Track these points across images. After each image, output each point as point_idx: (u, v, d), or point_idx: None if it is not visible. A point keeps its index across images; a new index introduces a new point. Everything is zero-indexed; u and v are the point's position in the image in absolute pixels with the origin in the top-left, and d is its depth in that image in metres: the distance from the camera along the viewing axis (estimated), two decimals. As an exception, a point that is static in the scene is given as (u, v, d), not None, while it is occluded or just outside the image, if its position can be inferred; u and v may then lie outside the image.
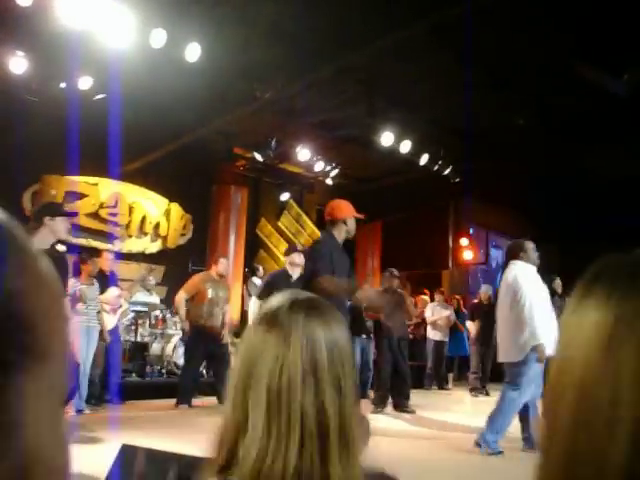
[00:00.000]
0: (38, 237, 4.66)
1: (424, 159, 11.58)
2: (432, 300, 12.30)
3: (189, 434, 6.10)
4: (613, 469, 0.51)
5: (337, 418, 1.00)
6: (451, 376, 12.56)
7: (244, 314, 11.70)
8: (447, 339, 11.98)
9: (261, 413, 0.99)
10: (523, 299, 5.60)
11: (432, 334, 11.96)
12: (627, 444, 0.51)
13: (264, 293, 7.18)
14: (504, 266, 6.49)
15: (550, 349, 5.50)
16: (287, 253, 7.75)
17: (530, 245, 5.96)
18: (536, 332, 5.49)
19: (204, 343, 8.17)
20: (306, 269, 4.96)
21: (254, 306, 9.19)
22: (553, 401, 0.58)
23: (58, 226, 4.75)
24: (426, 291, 13.04)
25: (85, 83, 8.66)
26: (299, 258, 7.07)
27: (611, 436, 0.52)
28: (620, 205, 12.11)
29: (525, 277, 5.72)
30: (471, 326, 11.12)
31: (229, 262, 9.08)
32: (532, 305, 5.57)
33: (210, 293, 8.22)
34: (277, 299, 1.10)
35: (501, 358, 5.83)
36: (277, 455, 0.97)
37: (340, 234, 4.89)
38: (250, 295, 11.08)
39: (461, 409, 9.67)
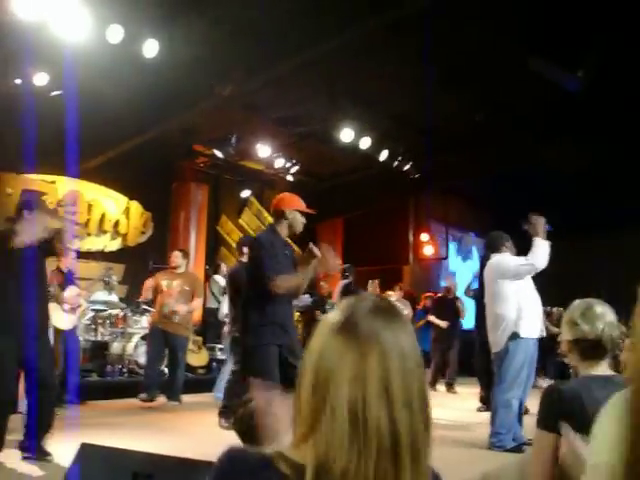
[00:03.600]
0: (18, 230, 4.57)
1: (384, 155, 11.67)
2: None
3: (150, 433, 6.09)
4: None
5: (409, 435, 1.00)
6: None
7: (206, 312, 11.64)
8: None
9: (343, 422, 0.99)
10: (505, 290, 5.66)
11: None
12: None
13: (231, 290, 7.13)
14: (484, 258, 6.53)
15: (536, 331, 5.63)
16: (240, 245, 7.59)
17: (508, 236, 6.03)
18: (517, 322, 5.52)
19: (160, 337, 8.14)
20: (248, 275, 4.60)
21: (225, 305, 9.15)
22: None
23: (37, 219, 4.70)
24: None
25: (41, 79, 8.52)
26: None
27: None
28: (575, 198, 12.37)
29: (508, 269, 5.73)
30: (435, 320, 11.01)
31: (189, 257, 8.97)
32: (511, 296, 5.61)
33: (164, 286, 8.21)
34: (352, 304, 1.09)
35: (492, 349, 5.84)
36: (359, 468, 0.97)
37: (282, 229, 4.53)
38: (213, 293, 11.04)
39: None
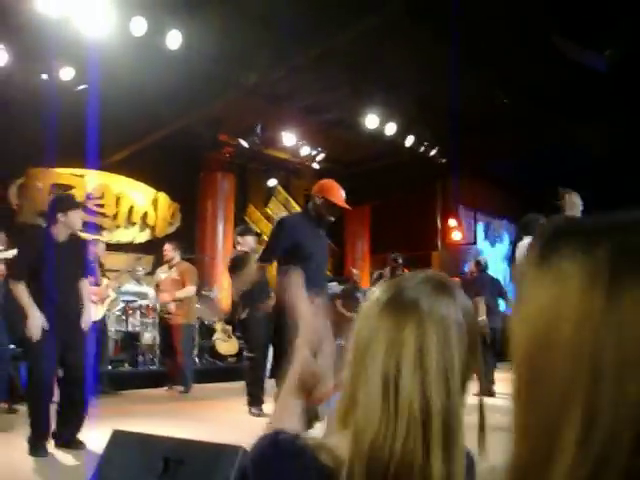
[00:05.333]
0: (56, 233, 4.74)
1: (410, 141, 11.60)
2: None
3: (181, 420, 6.16)
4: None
5: (442, 412, 0.96)
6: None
7: (234, 303, 11.70)
8: None
9: (376, 392, 0.97)
10: None
11: None
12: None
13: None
14: (516, 241, 6.40)
15: None
16: (235, 234, 7.86)
17: (545, 219, 5.88)
18: None
19: (164, 329, 8.50)
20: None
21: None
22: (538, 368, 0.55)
23: (72, 219, 4.83)
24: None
25: (67, 74, 8.60)
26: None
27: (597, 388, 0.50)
28: (606, 180, 12.18)
29: None
30: None
31: (181, 247, 8.98)
32: None
33: (160, 280, 8.59)
34: (403, 277, 1.08)
35: None
36: (386, 437, 0.95)
37: (311, 212, 4.65)
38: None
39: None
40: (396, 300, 1.02)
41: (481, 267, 9.95)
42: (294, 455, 0.99)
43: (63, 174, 10.74)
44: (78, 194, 10.75)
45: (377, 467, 0.94)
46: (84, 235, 5.22)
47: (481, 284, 9.54)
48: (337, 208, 4.65)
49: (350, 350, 1.04)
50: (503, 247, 16.33)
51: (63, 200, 5.23)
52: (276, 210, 13.79)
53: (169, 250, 8.49)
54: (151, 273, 10.99)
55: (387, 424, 0.95)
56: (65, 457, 4.51)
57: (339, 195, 4.65)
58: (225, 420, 6.41)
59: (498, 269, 12.54)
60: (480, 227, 16.10)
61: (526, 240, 5.86)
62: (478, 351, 1.04)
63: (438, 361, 0.97)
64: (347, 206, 4.72)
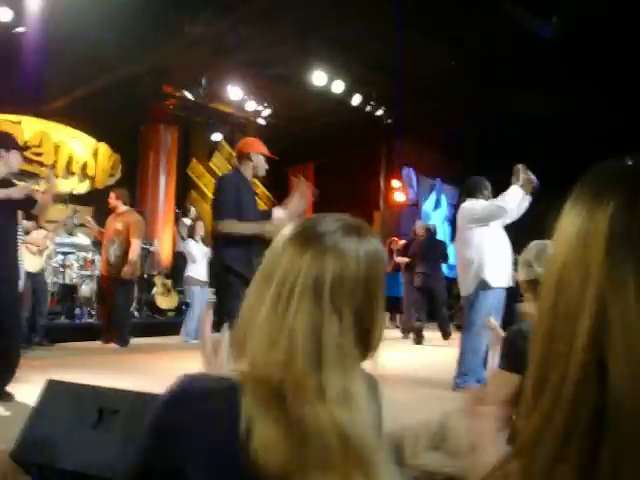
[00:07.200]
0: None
1: (356, 100, 11.59)
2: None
3: (117, 372, 6.14)
4: (582, 336, 0.64)
5: (334, 343, 0.97)
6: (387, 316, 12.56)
7: (175, 255, 11.63)
8: None
9: (267, 316, 0.99)
10: (474, 236, 5.62)
11: None
12: (593, 314, 0.64)
13: None
14: (459, 202, 6.44)
15: (504, 280, 5.55)
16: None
17: (488, 182, 5.93)
18: (486, 269, 5.50)
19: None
20: (212, 210, 4.75)
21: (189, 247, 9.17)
22: (541, 291, 0.74)
23: (12, 158, 4.63)
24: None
25: (4, 15, 8.26)
26: None
27: (581, 305, 0.65)
28: (549, 144, 12.41)
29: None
30: (401, 259, 10.74)
31: (125, 196, 8.37)
32: (481, 242, 5.54)
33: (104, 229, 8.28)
34: (313, 217, 1.09)
35: (461, 293, 5.86)
36: (275, 358, 0.96)
37: (247, 170, 4.72)
38: (182, 237, 10.99)
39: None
40: (302, 234, 1.04)
41: (430, 233, 10.54)
42: (202, 395, 0.99)
43: (-2, 120, 10.37)
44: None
45: (267, 388, 0.96)
46: (18, 183, 4.98)
47: (426, 248, 10.08)
48: (266, 160, 4.82)
49: (253, 279, 1.06)
50: (444, 209, 16.57)
51: (5, 137, 4.98)
52: (219, 164, 13.64)
53: (111, 199, 8.27)
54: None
55: (277, 345, 0.97)
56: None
57: (264, 147, 4.83)
58: (163, 372, 6.40)
59: (439, 230, 12.72)
60: (423, 189, 16.26)
61: (468, 202, 5.93)
62: (379, 297, 1.05)
63: (333, 293, 0.98)
64: (274, 156, 4.90)
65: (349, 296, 1.00)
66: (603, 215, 0.66)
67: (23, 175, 10.30)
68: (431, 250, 10.03)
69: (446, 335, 9.93)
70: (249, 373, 0.99)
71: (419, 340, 9.72)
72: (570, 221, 0.70)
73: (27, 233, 7.29)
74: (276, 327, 0.98)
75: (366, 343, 1.04)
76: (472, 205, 5.78)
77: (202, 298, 8.73)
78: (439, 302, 9.91)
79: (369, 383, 1.06)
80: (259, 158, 4.74)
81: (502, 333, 2.49)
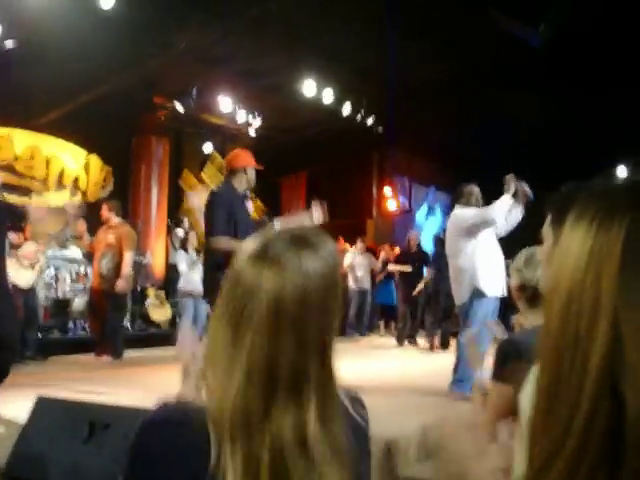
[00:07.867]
0: None
1: (347, 108, 11.60)
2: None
3: (110, 386, 6.10)
4: (595, 357, 0.63)
5: (291, 365, 0.97)
6: (382, 324, 12.53)
7: (169, 267, 11.59)
8: (369, 287, 11.97)
9: (224, 341, 0.99)
10: (466, 244, 5.60)
11: (352, 283, 11.66)
12: (607, 336, 0.62)
13: None
14: (450, 210, 6.43)
15: (498, 290, 5.54)
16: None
17: (478, 190, 5.92)
18: (479, 278, 5.52)
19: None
20: (204, 223, 4.80)
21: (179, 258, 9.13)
22: (545, 315, 0.71)
23: None
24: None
25: (-6, 30, 8.25)
26: None
27: (594, 325, 0.63)
28: (540, 152, 12.45)
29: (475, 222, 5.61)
30: (396, 267, 10.73)
31: (117, 208, 8.27)
32: (473, 251, 5.54)
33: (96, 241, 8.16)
34: (268, 233, 1.08)
35: (455, 301, 5.86)
36: (228, 388, 0.97)
37: (241, 184, 4.78)
38: (175, 247, 10.96)
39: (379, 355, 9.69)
40: (259, 253, 1.02)
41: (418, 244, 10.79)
42: (177, 422, 1.00)
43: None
44: (5, 155, 10.42)
45: (222, 420, 0.96)
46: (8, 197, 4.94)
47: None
48: (257, 172, 4.91)
49: (217, 305, 1.05)
50: (439, 217, 16.60)
51: None
52: (211, 175, 13.64)
53: (104, 211, 8.22)
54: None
55: (231, 373, 0.97)
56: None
57: (253, 159, 4.89)
58: (157, 385, 6.37)
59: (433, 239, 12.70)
60: (415, 197, 16.29)
61: (458, 209, 5.93)
62: (333, 309, 1.04)
63: (293, 312, 0.98)
64: (260, 167, 4.95)
65: (310, 312, 1.00)
66: (616, 233, 0.65)
67: (14, 189, 10.33)
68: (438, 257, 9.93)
69: (445, 345, 9.85)
70: (210, 405, 0.98)
71: (445, 345, 9.65)
72: (577, 240, 0.69)
73: (18, 247, 7.27)
74: (232, 357, 0.98)
75: (325, 357, 1.03)
76: (462, 213, 5.79)
77: (191, 310, 8.67)
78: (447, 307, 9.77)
79: (350, 398, 1.05)
80: (252, 171, 4.81)
81: (502, 334, 2.47)
